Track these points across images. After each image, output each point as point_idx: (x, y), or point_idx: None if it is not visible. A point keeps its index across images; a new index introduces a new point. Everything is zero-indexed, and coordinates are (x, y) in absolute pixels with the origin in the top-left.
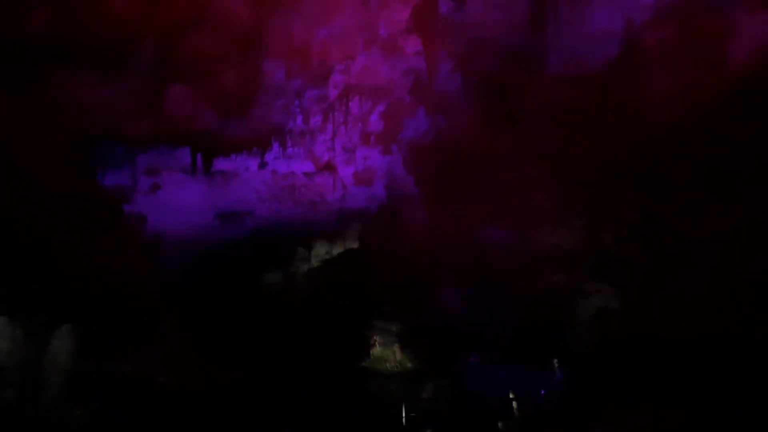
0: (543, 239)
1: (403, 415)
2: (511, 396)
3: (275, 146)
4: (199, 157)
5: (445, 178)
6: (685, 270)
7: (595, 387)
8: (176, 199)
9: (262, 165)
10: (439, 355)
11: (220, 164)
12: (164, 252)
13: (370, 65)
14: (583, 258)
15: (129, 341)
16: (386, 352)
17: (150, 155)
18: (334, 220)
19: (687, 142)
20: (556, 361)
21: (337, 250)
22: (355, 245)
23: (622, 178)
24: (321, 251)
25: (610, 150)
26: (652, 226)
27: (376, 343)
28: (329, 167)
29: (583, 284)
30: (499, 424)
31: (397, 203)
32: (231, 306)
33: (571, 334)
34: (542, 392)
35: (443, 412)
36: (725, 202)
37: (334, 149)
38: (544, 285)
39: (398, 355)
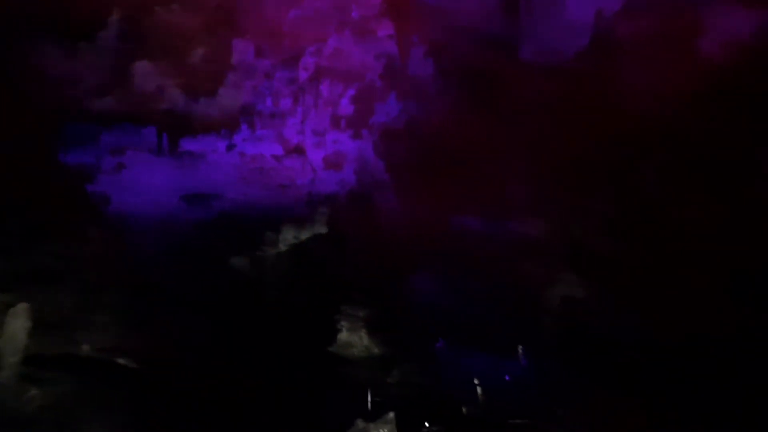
0: (515, 228)
1: (369, 400)
2: (475, 382)
3: (244, 128)
4: (165, 136)
5: (416, 164)
6: (656, 261)
7: (560, 374)
8: (141, 180)
9: (230, 147)
10: (406, 341)
11: (187, 145)
12: (128, 233)
13: (342, 48)
14: (554, 248)
15: (88, 322)
16: (353, 338)
17: (115, 134)
18: (302, 204)
19: (659, 135)
20: (521, 348)
21: (305, 234)
22: (323, 230)
23: (594, 169)
24: (289, 236)
25: (583, 141)
26: (623, 217)
27: (343, 328)
28: (299, 150)
29: (554, 274)
30: (464, 410)
31: (367, 188)
32: (196, 289)
33: (541, 323)
34: (507, 378)
35: (409, 397)
36: (697, 194)
37: (303, 132)
38: (515, 274)
39: (365, 341)
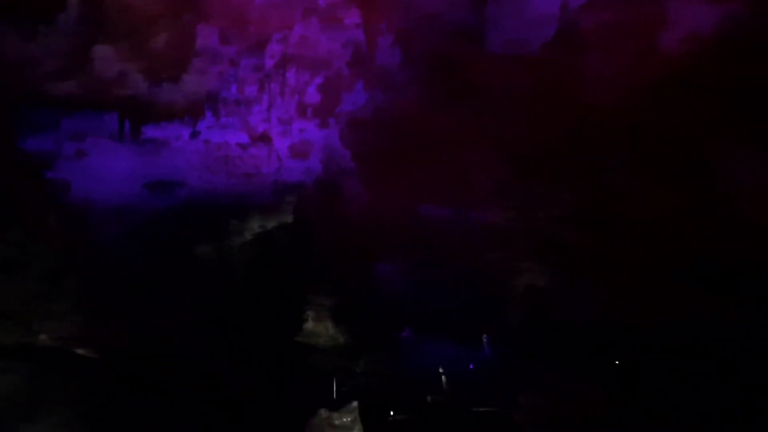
0: (479, 217)
1: (334, 389)
2: (440, 370)
3: (208, 115)
4: (127, 123)
5: (382, 153)
6: (617, 250)
7: (523, 362)
8: (103, 167)
9: (195, 134)
10: (372, 331)
11: (150, 132)
12: (88, 221)
13: (308, 36)
14: (518, 237)
15: (49, 311)
16: (319, 327)
17: (75, 119)
18: (268, 193)
19: (621, 125)
20: (485, 336)
21: (271, 223)
22: (289, 219)
23: (557, 159)
24: (254, 225)
25: (546, 131)
26: (585, 206)
27: (309, 317)
28: (264, 139)
29: (519, 263)
30: (428, 398)
31: (333, 178)
32: (158, 278)
33: (504, 311)
34: (471, 367)
35: (374, 386)
36: (657, 184)
37: (269, 120)
38: (480, 263)
39: (331, 330)
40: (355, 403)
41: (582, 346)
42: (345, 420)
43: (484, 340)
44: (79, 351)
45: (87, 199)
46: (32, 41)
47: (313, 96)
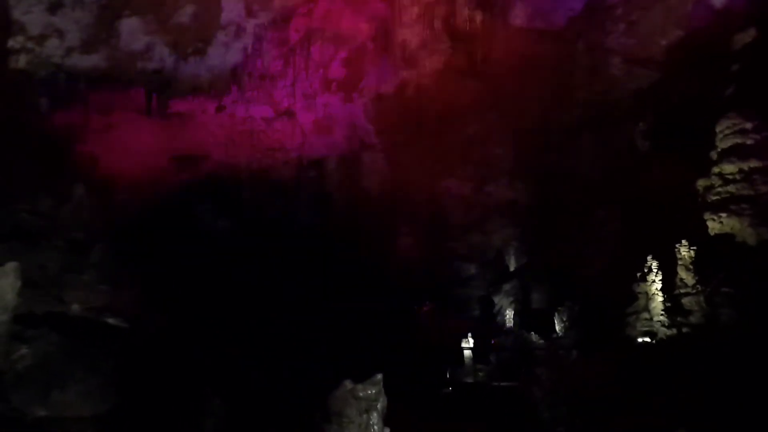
0: (499, 192)
1: (358, 361)
2: (463, 344)
3: (233, 89)
4: (154, 97)
5: (405, 128)
6: (641, 223)
7: (543, 337)
8: (130, 140)
9: (220, 108)
10: (394, 303)
11: (176, 106)
12: (116, 193)
13: (333, 9)
14: (538, 212)
15: (78, 282)
16: (341, 298)
17: (103, 93)
18: (291, 168)
19: (645, 99)
20: (508, 312)
21: (293, 198)
22: (312, 194)
23: (579, 133)
24: (277, 199)
25: (569, 104)
26: (608, 180)
27: (331, 288)
28: (289, 113)
29: (537, 238)
30: (448, 372)
31: (356, 152)
32: (183, 249)
33: (526, 286)
34: (492, 342)
35: (396, 358)
36: (681, 157)
37: (294, 95)
38: (498, 237)
39: (353, 303)
40: (379, 376)
41: (598, 318)
42: (369, 392)
43: (507, 315)
44: (109, 320)
45: (114, 171)
46: (60, 14)
47: (337, 70)
